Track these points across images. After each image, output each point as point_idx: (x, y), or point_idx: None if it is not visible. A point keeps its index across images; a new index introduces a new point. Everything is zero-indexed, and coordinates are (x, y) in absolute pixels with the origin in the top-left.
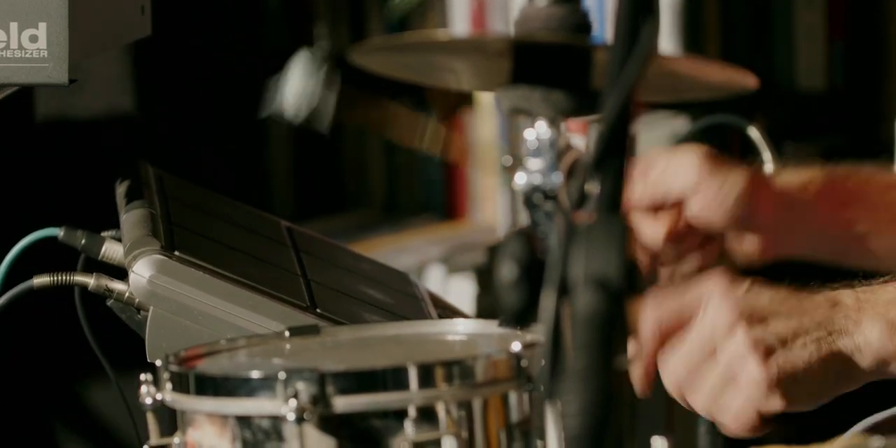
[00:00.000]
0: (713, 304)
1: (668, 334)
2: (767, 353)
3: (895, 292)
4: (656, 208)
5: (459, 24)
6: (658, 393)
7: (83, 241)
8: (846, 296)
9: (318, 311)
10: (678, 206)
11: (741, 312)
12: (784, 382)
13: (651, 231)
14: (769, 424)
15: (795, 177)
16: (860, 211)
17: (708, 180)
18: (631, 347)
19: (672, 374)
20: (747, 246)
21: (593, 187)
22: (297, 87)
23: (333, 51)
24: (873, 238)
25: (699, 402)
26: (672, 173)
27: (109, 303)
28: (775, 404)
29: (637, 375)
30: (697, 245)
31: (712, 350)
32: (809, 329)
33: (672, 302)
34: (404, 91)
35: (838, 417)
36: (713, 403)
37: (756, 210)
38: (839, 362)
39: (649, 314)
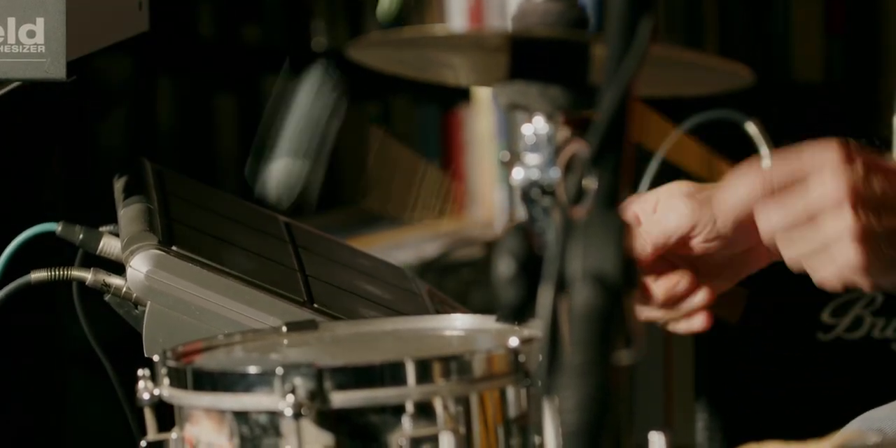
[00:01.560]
0: (826, 173)
1: (776, 190)
2: (869, 242)
3: None
4: (660, 256)
5: (457, 19)
6: (656, 388)
7: (81, 236)
8: None
9: (316, 306)
10: (680, 247)
11: (853, 192)
12: (871, 272)
13: (660, 285)
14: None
15: None
16: None
17: (701, 217)
18: None
19: (770, 225)
20: (753, 258)
21: (591, 183)
22: (281, 175)
23: (330, 47)
24: None
25: (788, 256)
26: (664, 220)
27: (107, 298)
28: (856, 282)
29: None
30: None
31: (815, 217)
32: None
33: (788, 162)
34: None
35: (835, 413)
36: (801, 261)
37: (751, 228)
38: None
39: (759, 176)
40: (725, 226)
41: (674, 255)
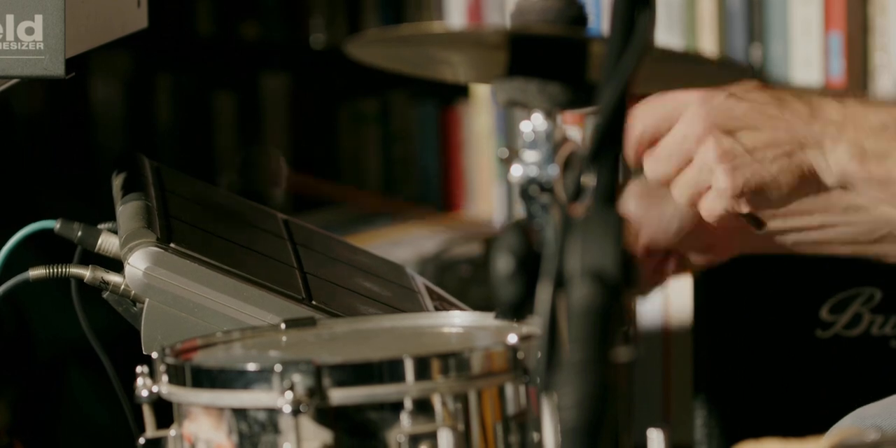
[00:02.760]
0: (688, 114)
1: (650, 140)
2: (734, 162)
3: (880, 120)
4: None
5: (456, 16)
6: (655, 385)
7: (79, 234)
8: (833, 109)
9: (315, 303)
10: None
11: (712, 123)
12: (749, 191)
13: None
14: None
15: None
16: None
17: (647, 217)
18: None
19: (653, 172)
20: (701, 254)
21: (590, 180)
22: None
23: (329, 44)
24: (827, 229)
25: (675, 192)
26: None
27: (105, 295)
28: (741, 207)
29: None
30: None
31: (686, 154)
32: (781, 141)
33: (653, 110)
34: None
35: (834, 411)
36: (686, 195)
37: (702, 225)
38: (806, 175)
39: (634, 122)
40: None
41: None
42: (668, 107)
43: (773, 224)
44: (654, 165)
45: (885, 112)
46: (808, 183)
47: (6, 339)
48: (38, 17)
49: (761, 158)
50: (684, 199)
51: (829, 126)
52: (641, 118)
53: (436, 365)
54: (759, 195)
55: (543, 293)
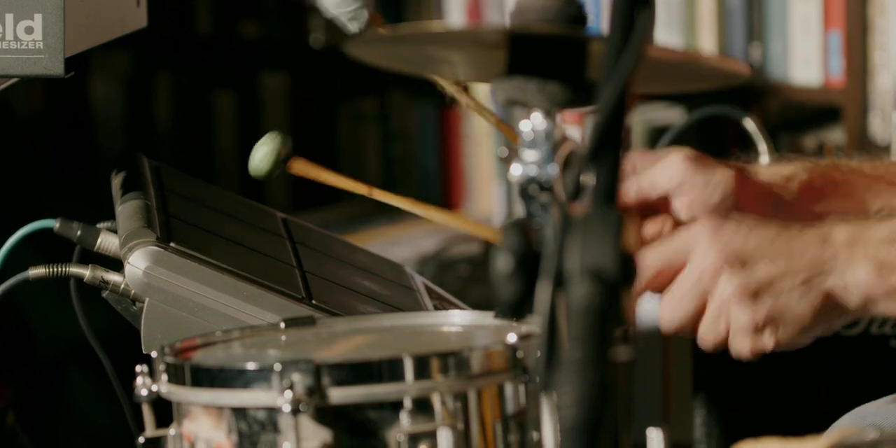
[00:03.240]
0: (699, 250)
1: (662, 281)
2: (753, 296)
3: (889, 230)
4: (642, 206)
5: (455, 15)
6: (654, 384)
7: (79, 233)
8: (838, 231)
9: (314, 302)
10: (664, 204)
11: (726, 257)
12: (771, 324)
13: (648, 227)
14: (773, 349)
15: (780, 170)
16: (845, 202)
17: (692, 179)
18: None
19: (669, 317)
20: None
21: (589, 179)
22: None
23: (329, 43)
24: None
25: (699, 339)
26: (658, 173)
27: (105, 294)
28: (766, 344)
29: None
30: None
31: (703, 293)
32: (797, 270)
33: (663, 249)
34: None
35: (834, 410)
36: (710, 340)
37: (740, 207)
38: (827, 301)
39: (644, 262)
40: (714, 196)
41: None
42: (678, 244)
43: None
44: (673, 307)
45: (889, 224)
46: (831, 309)
47: (6, 339)
48: (38, 17)
49: (780, 290)
50: (709, 343)
51: (841, 248)
52: (651, 259)
53: (435, 364)
54: (781, 327)
55: (543, 292)
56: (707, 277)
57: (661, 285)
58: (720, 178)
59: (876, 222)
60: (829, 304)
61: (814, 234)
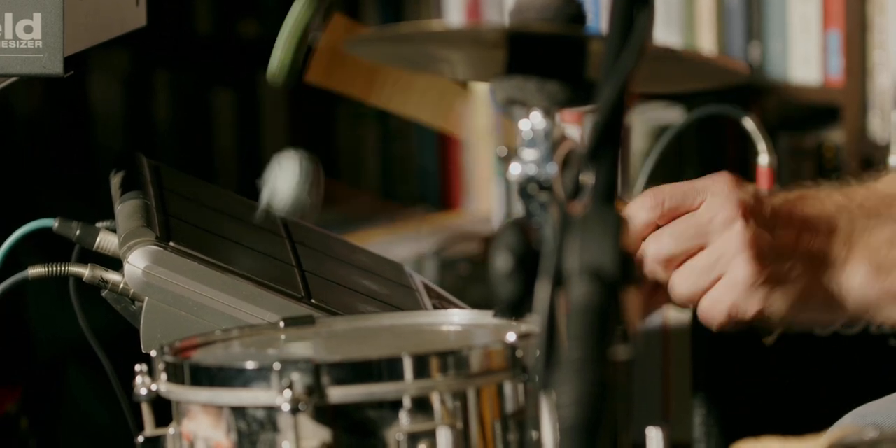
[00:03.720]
0: (720, 194)
1: (667, 215)
2: (760, 256)
3: (891, 232)
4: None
5: (454, 14)
6: (654, 384)
7: (78, 232)
8: (842, 226)
9: (313, 301)
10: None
11: (746, 208)
12: (766, 289)
13: None
14: (737, 325)
15: None
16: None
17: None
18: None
19: (658, 249)
20: None
21: (588, 178)
22: (285, 186)
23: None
24: None
25: (678, 283)
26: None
27: (104, 294)
28: (751, 306)
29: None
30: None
31: (705, 236)
32: (804, 255)
33: (680, 185)
34: None
35: (833, 409)
36: (692, 288)
37: None
38: (823, 295)
39: (651, 195)
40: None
41: None
42: (695, 186)
43: None
44: (666, 239)
45: (892, 226)
46: (824, 299)
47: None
48: (37, 16)
49: (785, 263)
50: (686, 290)
51: (841, 245)
52: (663, 193)
53: (435, 363)
54: (774, 295)
55: (542, 291)
56: (719, 221)
57: (665, 221)
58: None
59: (879, 224)
60: (824, 294)
61: (825, 222)
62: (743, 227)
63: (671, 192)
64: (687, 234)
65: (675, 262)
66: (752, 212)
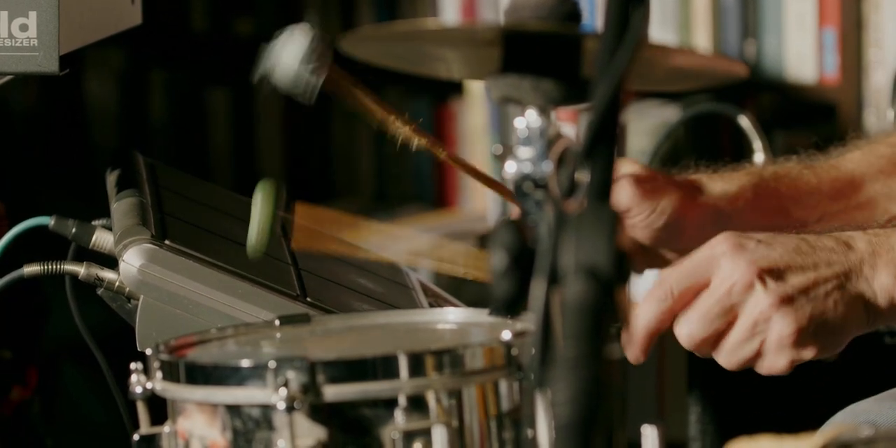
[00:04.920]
0: (727, 262)
1: (683, 298)
2: (793, 305)
3: None
4: None
5: (449, 12)
6: (649, 382)
7: (74, 230)
8: (859, 240)
9: (309, 300)
10: None
11: (757, 269)
12: (814, 330)
13: None
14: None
15: (728, 186)
16: (792, 212)
17: (639, 206)
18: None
19: (691, 335)
20: (671, 254)
21: (583, 176)
22: (290, 56)
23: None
24: None
25: (724, 359)
26: None
27: (100, 292)
28: (808, 353)
29: (638, 340)
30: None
31: (731, 308)
32: (828, 276)
33: (683, 266)
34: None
35: (829, 407)
36: (741, 360)
37: (684, 229)
38: (861, 305)
39: (658, 286)
40: (658, 222)
41: None
42: (699, 263)
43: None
44: (697, 324)
45: None
46: (863, 312)
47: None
48: (32, 14)
49: (815, 297)
50: (736, 363)
51: (864, 254)
52: (669, 279)
53: (430, 361)
54: (822, 332)
55: (537, 290)
56: (738, 291)
57: (681, 306)
58: (665, 205)
59: (892, 228)
60: (861, 308)
61: (834, 240)
62: (763, 289)
63: (676, 276)
64: (713, 314)
65: (711, 341)
66: (765, 268)
